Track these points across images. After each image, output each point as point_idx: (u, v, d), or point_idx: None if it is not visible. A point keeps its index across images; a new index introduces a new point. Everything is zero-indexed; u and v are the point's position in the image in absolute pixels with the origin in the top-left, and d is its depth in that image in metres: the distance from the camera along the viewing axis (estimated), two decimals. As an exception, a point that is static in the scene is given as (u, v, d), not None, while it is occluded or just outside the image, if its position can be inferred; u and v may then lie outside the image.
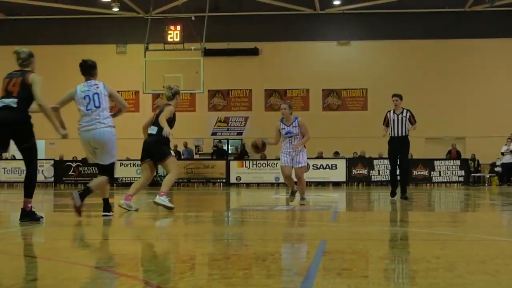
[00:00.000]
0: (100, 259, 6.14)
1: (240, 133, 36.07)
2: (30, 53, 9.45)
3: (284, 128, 13.25)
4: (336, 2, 34.73)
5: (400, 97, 15.50)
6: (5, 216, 13.06)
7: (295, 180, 13.60)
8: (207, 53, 29.82)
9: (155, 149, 11.58)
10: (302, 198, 13.56)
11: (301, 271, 5.00)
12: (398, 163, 15.85)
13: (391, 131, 15.49)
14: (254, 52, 35.31)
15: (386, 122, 15.65)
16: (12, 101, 8.96)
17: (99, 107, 9.95)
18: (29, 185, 9.44)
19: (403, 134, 15.34)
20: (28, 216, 9.25)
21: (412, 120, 15.42)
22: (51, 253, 6.52)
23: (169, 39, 29.35)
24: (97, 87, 10.09)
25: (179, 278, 4.81)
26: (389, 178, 17.61)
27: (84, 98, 9.96)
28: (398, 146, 15.42)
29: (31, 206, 9.34)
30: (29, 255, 6.38)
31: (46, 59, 34.22)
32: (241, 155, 33.82)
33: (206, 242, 7.04)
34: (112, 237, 8.44)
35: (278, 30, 35.36)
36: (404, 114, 15.38)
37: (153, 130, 11.57)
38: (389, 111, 15.67)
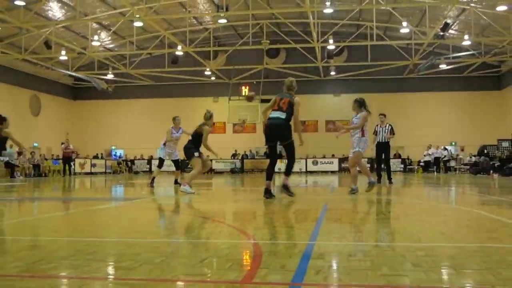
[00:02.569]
0: (210, 213, 6.21)
1: (280, 145, 36.06)
2: (293, 82, 8.33)
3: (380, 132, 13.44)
4: (332, 73, 34.69)
5: (385, 115, 13.75)
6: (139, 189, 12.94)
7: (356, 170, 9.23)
8: (263, 101, 29.94)
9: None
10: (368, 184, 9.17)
11: (314, 220, 5.00)
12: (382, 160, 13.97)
13: (378, 139, 13.69)
14: (287, 100, 35.31)
15: (375, 132, 13.77)
16: (281, 114, 7.70)
17: None
18: (288, 168, 8.11)
19: (386, 140, 13.67)
20: (285, 188, 7.98)
21: (392, 132, 13.74)
22: (182, 209, 6.60)
23: (242, 93, 29.88)
24: None
25: (248, 223, 4.87)
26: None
27: None
28: (383, 149, 13.71)
29: (288, 183, 8.05)
30: (164, 209, 6.42)
31: (172, 108, 34.65)
32: (280, 156, 33.84)
33: (260, 203, 7.03)
34: (211, 202, 8.47)
35: (299, 88, 35.19)
36: (387, 127, 13.71)
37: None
38: (377, 125, 13.82)
